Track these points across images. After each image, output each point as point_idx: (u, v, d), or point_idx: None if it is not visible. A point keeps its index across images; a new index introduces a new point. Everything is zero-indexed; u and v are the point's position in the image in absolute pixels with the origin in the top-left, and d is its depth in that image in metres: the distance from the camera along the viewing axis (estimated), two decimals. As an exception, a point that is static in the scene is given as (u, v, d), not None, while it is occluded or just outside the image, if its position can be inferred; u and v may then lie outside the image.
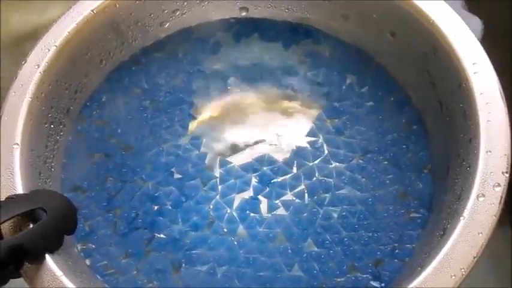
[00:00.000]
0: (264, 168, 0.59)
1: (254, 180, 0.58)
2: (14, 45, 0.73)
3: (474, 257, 0.43)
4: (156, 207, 0.56)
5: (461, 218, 0.44)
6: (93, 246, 0.54)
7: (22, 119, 0.50)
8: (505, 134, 0.46)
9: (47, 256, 0.44)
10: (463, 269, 0.42)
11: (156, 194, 0.57)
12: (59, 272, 0.44)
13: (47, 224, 0.43)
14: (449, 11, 0.53)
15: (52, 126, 0.54)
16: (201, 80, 0.63)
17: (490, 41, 0.51)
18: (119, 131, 0.60)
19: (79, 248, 0.53)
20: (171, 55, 0.64)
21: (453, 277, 0.42)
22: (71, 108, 0.57)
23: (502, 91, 0.48)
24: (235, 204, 0.57)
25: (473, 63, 0.49)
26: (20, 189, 0.47)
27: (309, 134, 0.60)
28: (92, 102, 0.60)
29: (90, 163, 0.58)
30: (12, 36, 0.74)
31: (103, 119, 0.60)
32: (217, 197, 0.57)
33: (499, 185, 0.45)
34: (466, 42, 0.51)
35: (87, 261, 0.52)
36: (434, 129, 0.57)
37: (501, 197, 0.44)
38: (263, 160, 0.59)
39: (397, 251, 0.53)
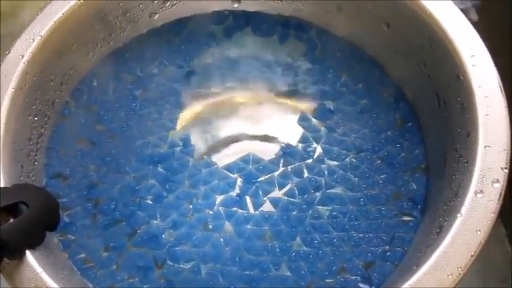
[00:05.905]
0: (250, 166, 0.57)
1: (239, 180, 0.57)
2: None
3: (472, 256, 0.42)
4: (136, 200, 0.55)
5: (459, 215, 0.43)
6: (73, 237, 0.52)
7: (5, 111, 0.49)
8: (505, 128, 0.46)
9: (27, 252, 0.43)
10: (460, 267, 0.41)
11: (137, 187, 0.56)
12: (39, 269, 0.43)
13: (28, 218, 0.42)
14: (446, 1, 0.52)
15: (36, 118, 0.53)
16: (192, 73, 0.62)
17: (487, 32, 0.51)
18: (106, 118, 0.59)
19: (58, 238, 0.52)
20: (165, 45, 0.63)
21: (450, 276, 0.41)
22: (56, 100, 0.56)
23: (501, 84, 0.47)
24: (220, 201, 0.55)
25: (472, 56, 0.49)
26: (1, 183, 0.46)
27: (301, 135, 0.59)
28: (83, 85, 0.59)
29: (74, 150, 0.57)
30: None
31: (91, 104, 0.59)
32: (200, 194, 0.56)
33: (498, 181, 0.44)
34: (464, 34, 0.50)
35: (66, 253, 0.51)
36: (430, 124, 0.56)
37: (500, 194, 0.43)
38: (248, 158, 0.58)
39: (388, 253, 0.52)
